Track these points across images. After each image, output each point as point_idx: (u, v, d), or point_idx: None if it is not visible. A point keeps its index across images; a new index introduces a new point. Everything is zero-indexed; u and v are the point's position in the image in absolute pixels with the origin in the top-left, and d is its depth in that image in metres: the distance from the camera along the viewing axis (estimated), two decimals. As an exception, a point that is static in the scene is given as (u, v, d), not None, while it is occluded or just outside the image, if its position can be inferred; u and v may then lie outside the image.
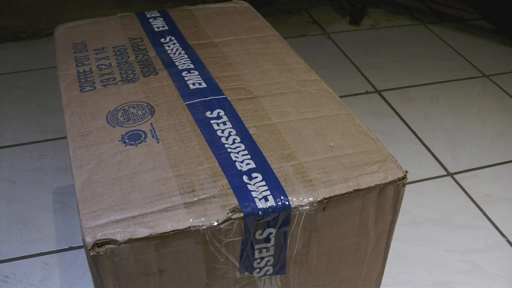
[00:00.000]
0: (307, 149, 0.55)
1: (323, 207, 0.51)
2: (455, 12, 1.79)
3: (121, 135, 0.57)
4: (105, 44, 0.73)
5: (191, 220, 0.47)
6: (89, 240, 0.45)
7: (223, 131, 0.57)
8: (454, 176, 1.07)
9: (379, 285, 0.64)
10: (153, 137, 0.56)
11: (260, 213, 0.49)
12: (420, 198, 1.01)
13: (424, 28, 1.68)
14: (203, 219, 0.48)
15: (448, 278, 0.86)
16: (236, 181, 0.51)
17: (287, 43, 0.75)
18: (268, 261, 0.53)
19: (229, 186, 0.50)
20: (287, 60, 0.71)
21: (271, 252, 0.52)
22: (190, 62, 0.69)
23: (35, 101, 1.27)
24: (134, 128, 0.57)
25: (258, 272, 0.53)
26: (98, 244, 0.45)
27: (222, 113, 0.60)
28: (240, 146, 0.55)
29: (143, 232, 0.46)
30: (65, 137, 1.07)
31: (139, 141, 0.56)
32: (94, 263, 0.46)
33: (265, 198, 0.49)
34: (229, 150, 0.54)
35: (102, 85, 0.64)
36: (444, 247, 0.91)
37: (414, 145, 1.16)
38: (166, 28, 0.77)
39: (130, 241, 0.46)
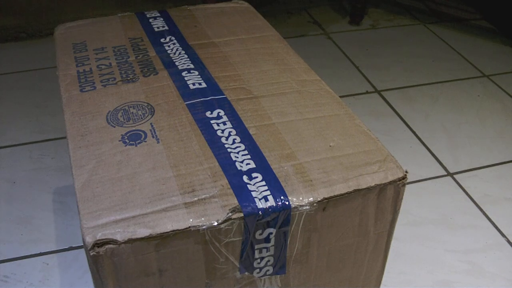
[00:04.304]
0: (307, 149, 0.55)
1: (323, 207, 0.51)
2: (455, 12, 1.79)
3: (121, 135, 0.57)
4: (105, 44, 0.73)
5: (191, 220, 0.47)
6: (89, 240, 0.45)
7: (223, 131, 0.57)
8: (454, 176, 1.07)
9: (379, 285, 0.64)
10: (153, 137, 0.56)
11: (260, 213, 0.49)
12: (420, 198, 1.01)
13: (424, 28, 1.68)
14: (203, 219, 0.48)
15: (448, 278, 0.86)
16: (236, 181, 0.51)
17: (287, 43, 0.75)
18: (268, 261, 0.53)
19: (229, 186, 0.50)
20: (287, 60, 0.71)
21: (271, 252, 0.52)
22: (190, 62, 0.69)
23: (35, 101, 1.27)
24: (134, 128, 0.57)
25: (258, 272, 0.53)
26: (98, 244, 0.45)
27: (222, 113, 0.60)
28: (240, 146, 0.55)
29: (143, 232, 0.46)
30: (65, 137, 1.07)
31: (139, 141, 0.56)
32: (94, 263, 0.46)
33: (265, 198, 0.49)
34: (229, 150, 0.54)
35: (102, 85, 0.64)
36: (444, 247, 0.91)
37: (414, 145, 1.16)
38: (166, 28, 0.77)
39: (130, 241, 0.46)
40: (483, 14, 1.77)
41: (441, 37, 1.62)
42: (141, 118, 0.59)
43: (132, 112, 0.60)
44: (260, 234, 0.50)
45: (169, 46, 0.72)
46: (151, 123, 0.58)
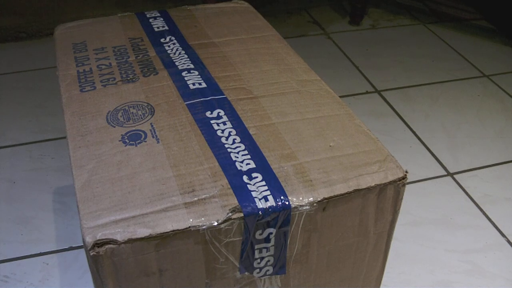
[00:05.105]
0: (307, 149, 0.55)
1: (323, 207, 0.51)
2: (455, 12, 1.79)
3: (121, 135, 0.57)
4: (105, 44, 0.73)
5: (191, 220, 0.47)
6: (89, 240, 0.45)
7: (223, 131, 0.57)
8: (454, 176, 1.07)
9: (379, 285, 0.64)
10: (153, 137, 0.56)
11: (260, 213, 0.49)
12: (420, 198, 1.01)
13: (424, 28, 1.68)
14: (203, 219, 0.48)
15: (448, 278, 0.86)
16: (236, 181, 0.51)
17: (287, 43, 0.75)
18: (268, 261, 0.53)
19: (229, 186, 0.50)
20: (287, 60, 0.71)
21: (271, 252, 0.52)
22: (190, 62, 0.69)
23: (35, 101, 1.27)
24: (134, 128, 0.57)
25: (258, 272, 0.53)
26: (98, 244, 0.45)
27: (222, 113, 0.60)
28: (240, 146, 0.55)
29: (143, 232, 0.46)
30: (65, 137, 1.07)
31: (139, 141, 0.56)
32: (94, 263, 0.46)
33: (265, 198, 0.49)
34: (229, 150, 0.54)
35: (102, 85, 0.64)
36: (444, 247, 0.91)
37: (414, 145, 1.16)
38: (166, 28, 0.77)
39: (130, 241, 0.46)
40: (483, 14, 1.77)
41: (441, 37, 1.62)
42: (141, 118, 0.59)
43: (132, 112, 0.60)
44: (260, 234, 0.50)
45: (169, 46, 0.72)
46: (151, 123, 0.58)
